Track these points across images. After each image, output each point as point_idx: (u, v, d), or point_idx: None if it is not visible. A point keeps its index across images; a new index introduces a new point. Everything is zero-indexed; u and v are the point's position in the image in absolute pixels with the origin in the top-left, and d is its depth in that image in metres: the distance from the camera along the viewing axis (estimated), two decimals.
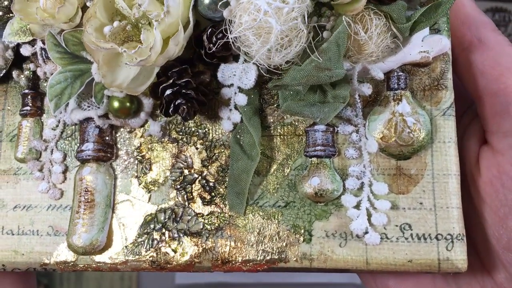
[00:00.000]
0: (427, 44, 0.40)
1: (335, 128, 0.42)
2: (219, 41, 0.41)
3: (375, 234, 0.40)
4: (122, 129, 0.47)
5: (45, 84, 0.48)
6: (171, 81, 0.42)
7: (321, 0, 0.40)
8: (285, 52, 0.39)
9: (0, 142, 0.49)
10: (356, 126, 0.42)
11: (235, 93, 0.43)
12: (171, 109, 0.42)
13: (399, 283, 0.44)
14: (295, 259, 0.41)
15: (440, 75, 0.41)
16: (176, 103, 0.41)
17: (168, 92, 0.41)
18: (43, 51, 0.47)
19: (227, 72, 0.43)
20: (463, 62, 0.43)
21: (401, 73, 0.41)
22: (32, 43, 0.47)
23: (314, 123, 0.42)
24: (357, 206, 0.41)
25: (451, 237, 0.39)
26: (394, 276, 0.45)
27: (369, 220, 0.40)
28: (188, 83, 0.41)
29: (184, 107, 0.41)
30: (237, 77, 0.43)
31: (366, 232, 0.40)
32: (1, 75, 0.49)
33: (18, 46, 0.48)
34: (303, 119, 0.43)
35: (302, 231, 0.42)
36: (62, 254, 0.45)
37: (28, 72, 0.49)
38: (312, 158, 0.42)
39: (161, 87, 0.42)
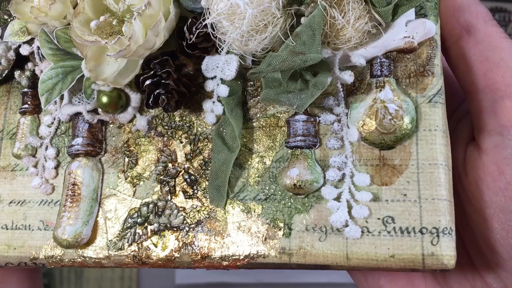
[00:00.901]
0: (411, 29, 0.38)
1: (317, 118, 0.40)
2: (198, 31, 0.41)
3: (356, 227, 0.38)
4: (111, 125, 0.47)
5: None
6: (152, 72, 0.42)
7: None
8: (259, 38, 0.38)
9: (1, 140, 0.50)
10: (338, 116, 0.40)
11: (218, 84, 0.42)
12: (151, 99, 0.41)
13: (389, 282, 0.42)
14: (274, 254, 0.40)
15: (426, 61, 0.39)
16: (155, 93, 0.41)
17: (147, 82, 0.41)
18: (39, 50, 0.48)
19: (210, 64, 0.43)
20: (454, 55, 0.41)
21: (385, 60, 0.39)
22: (30, 42, 0.49)
23: (295, 113, 0.41)
24: (338, 198, 0.38)
25: (437, 231, 0.36)
26: (385, 275, 0.42)
27: (349, 212, 0.38)
28: (169, 74, 0.41)
29: (164, 97, 0.41)
30: (219, 68, 0.42)
31: (346, 225, 0.38)
32: (4, 75, 0.51)
33: (20, 47, 0.50)
34: (287, 110, 0.42)
35: (282, 224, 0.40)
36: (51, 248, 0.46)
37: (28, 71, 0.50)
38: (293, 149, 0.40)
39: (141, 78, 0.42)
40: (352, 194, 0.38)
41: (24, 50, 0.49)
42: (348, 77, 0.39)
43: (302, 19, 0.39)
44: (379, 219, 0.38)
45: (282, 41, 0.38)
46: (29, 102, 0.50)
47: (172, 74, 0.41)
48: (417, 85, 0.39)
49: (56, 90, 0.46)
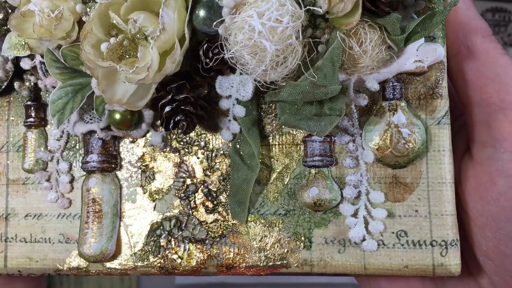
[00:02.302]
0: (422, 53, 0.40)
1: (332, 138, 0.43)
2: (215, 57, 0.41)
3: (372, 241, 0.41)
4: (125, 139, 0.48)
5: (47, 95, 0.49)
6: (169, 96, 0.42)
7: (316, 12, 0.40)
8: (280, 69, 0.39)
9: (7, 153, 0.50)
10: (353, 136, 0.42)
11: (233, 104, 0.44)
12: (171, 125, 0.42)
13: (390, 283, 0.46)
14: (296, 265, 0.43)
15: (435, 83, 0.42)
16: (176, 119, 0.42)
17: (167, 109, 0.42)
18: (42, 65, 0.47)
19: (224, 84, 0.43)
20: (454, 69, 0.43)
21: (396, 83, 0.41)
22: (31, 56, 0.48)
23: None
24: (355, 215, 0.42)
25: (445, 244, 0.41)
26: (386, 278, 0.46)
27: (366, 227, 0.42)
28: (187, 99, 0.42)
29: (184, 123, 0.42)
30: (234, 88, 0.43)
31: (364, 239, 0.42)
32: (3, 87, 0.49)
33: (18, 58, 0.48)
34: None
35: (303, 238, 0.43)
36: (75, 260, 0.47)
37: (29, 83, 0.49)
38: (311, 168, 0.43)
39: (160, 104, 0.42)
40: (368, 210, 0.42)
41: (26, 65, 0.48)
42: (362, 100, 0.41)
43: (320, 48, 0.40)
44: (393, 233, 0.42)
45: (303, 66, 0.40)
46: (33, 116, 0.49)
47: (190, 98, 0.42)
48: (426, 107, 0.42)
49: (67, 109, 0.45)
